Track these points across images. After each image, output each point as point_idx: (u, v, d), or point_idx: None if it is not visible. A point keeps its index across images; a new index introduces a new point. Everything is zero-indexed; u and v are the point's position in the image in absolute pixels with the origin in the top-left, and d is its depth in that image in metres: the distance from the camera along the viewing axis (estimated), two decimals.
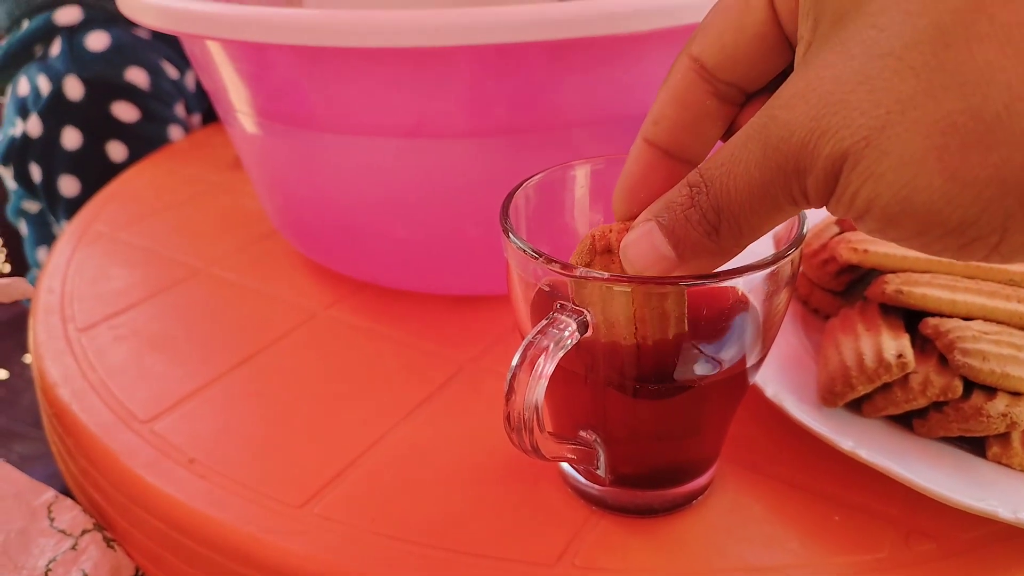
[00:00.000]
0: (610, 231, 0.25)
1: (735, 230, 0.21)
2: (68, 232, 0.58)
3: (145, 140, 0.79)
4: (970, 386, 0.31)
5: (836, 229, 0.42)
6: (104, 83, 0.77)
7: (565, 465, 0.33)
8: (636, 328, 0.26)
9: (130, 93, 0.78)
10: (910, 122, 0.17)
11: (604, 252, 0.26)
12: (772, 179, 0.19)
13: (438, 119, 0.37)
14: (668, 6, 0.34)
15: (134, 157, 0.78)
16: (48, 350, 0.44)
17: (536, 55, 0.35)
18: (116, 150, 0.78)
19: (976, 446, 0.32)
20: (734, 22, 0.22)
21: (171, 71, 0.83)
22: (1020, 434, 0.31)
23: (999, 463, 0.31)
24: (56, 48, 0.78)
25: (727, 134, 0.24)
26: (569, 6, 0.33)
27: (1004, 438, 0.31)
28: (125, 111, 0.78)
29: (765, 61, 0.22)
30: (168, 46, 0.83)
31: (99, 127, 0.78)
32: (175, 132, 0.82)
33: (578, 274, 0.25)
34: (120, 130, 0.78)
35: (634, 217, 0.24)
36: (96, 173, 0.78)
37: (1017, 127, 0.16)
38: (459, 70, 0.35)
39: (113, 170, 0.76)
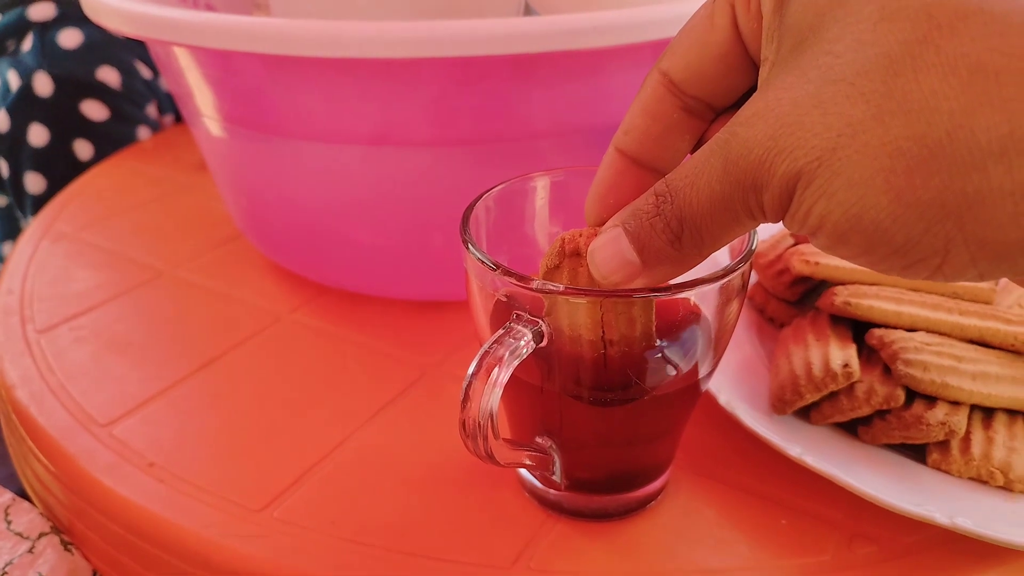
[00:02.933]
0: (580, 235, 0.26)
1: (697, 240, 0.22)
2: (29, 231, 0.58)
3: (113, 140, 0.78)
4: (912, 395, 0.33)
5: (791, 241, 0.44)
6: (74, 81, 0.76)
7: (523, 470, 0.33)
8: (603, 332, 0.26)
9: (100, 92, 0.78)
10: (860, 145, 0.17)
11: (573, 255, 0.26)
12: (731, 193, 0.20)
13: (402, 128, 0.37)
14: (629, 23, 0.34)
15: (100, 156, 0.77)
16: (7, 351, 0.44)
17: (500, 68, 0.36)
18: (83, 149, 0.78)
19: (918, 453, 0.33)
20: (699, 40, 0.23)
21: (144, 71, 0.82)
22: (959, 442, 0.32)
23: (939, 469, 0.32)
24: (28, 43, 0.77)
25: (696, 147, 0.25)
26: (532, 21, 0.34)
27: (943, 445, 0.32)
28: (94, 110, 0.77)
29: (729, 79, 0.23)
30: (142, 46, 0.82)
31: (67, 125, 0.77)
32: (144, 133, 0.82)
33: (534, 287, 0.25)
34: (88, 129, 0.77)
35: (604, 223, 0.25)
36: (62, 171, 0.77)
37: (957, 153, 0.17)
38: (423, 81, 0.36)
39: (79, 168, 0.75)
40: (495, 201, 0.31)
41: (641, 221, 0.23)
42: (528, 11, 0.42)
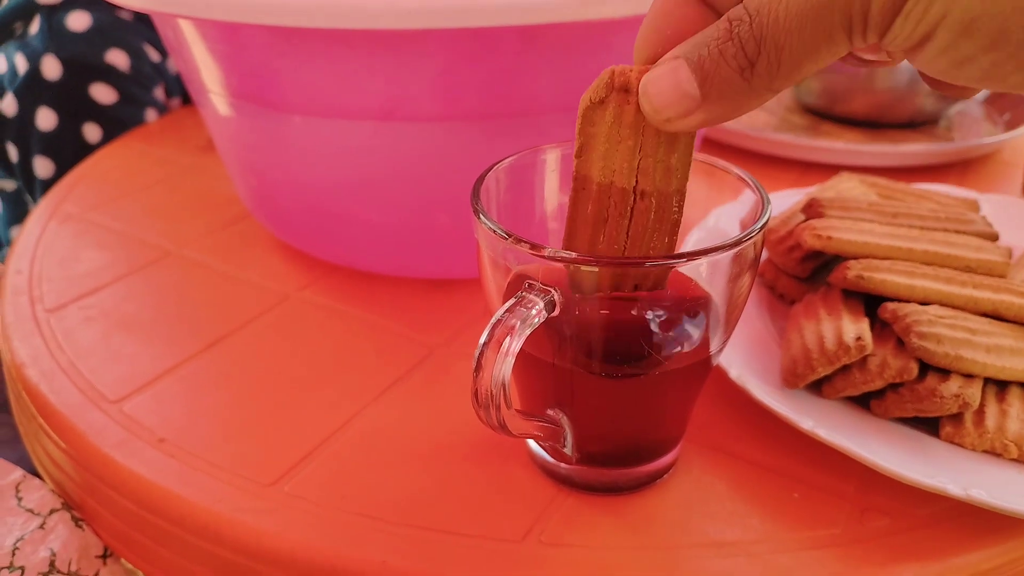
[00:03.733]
0: (630, 70, 0.24)
1: (773, 65, 0.20)
2: (37, 212, 0.58)
3: (122, 123, 0.78)
4: (925, 368, 0.32)
5: (802, 217, 0.43)
6: (84, 64, 0.76)
7: (532, 444, 0.33)
8: (637, 180, 0.25)
9: (109, 75, 0.77)
10: None
11: (621, 90, 0.24)
12: (831, 1, 0.19)
13: (411, 102, 0.37)
14: None
15: (109, 139, 0.77)
16: (16, 331, 0.44)
17: (508, 40, 0.35)
18: (92, 132, 0.78)
19: (930, 426, 0.33)
20: None
21: (153, 54, 0.82)
22: (972, 415, 0.32)
23: (952, 443, 0.32)
24: (35, 27, 0.77)
25: None
26: None
27: (957, 418, 0.32)
28: (103, 93, 0.77)
29: None
30: (151, 29, 0.82)
31: (76, 108, 0.77)
32: (152, 115, 0.81)
33: (547, 254, 0.25)
34: (97, 112, 0.77)
35: (656, 60, 0.23)
36: (71, 154, 0.77)
37: None
38: (432, 54, 0.35)
39: (88, 151, 0.75)
40: (505, 173, 0.31)
41: (708, 48, 0.21)
42: None
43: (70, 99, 0.76)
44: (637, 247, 0.26)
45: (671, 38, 0.23)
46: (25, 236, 0.54)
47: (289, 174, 0.44)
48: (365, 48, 0.35)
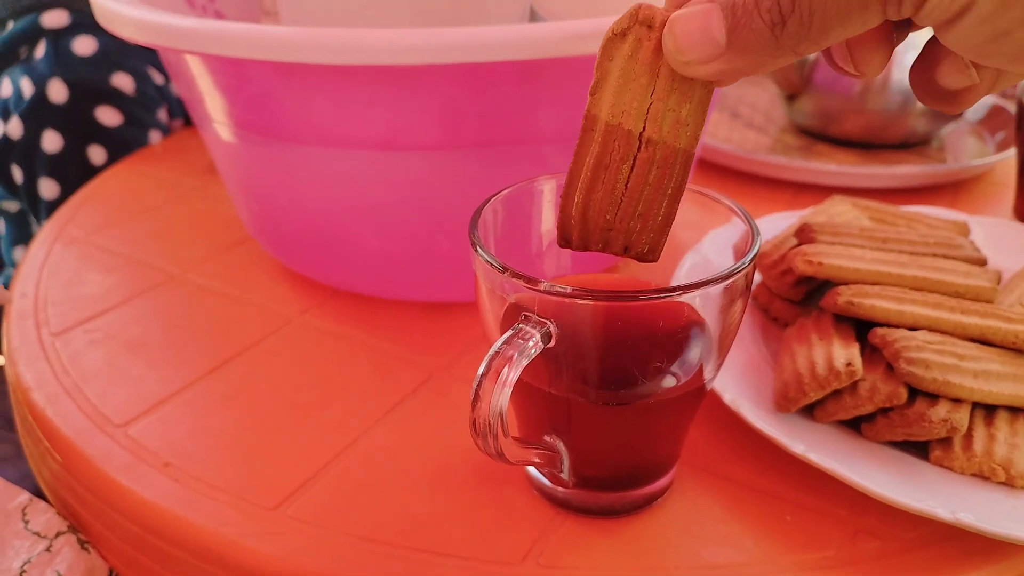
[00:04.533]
0: (658, 9, 0.24)
1: (804, 25, 0.20)
2: (42, 235, 0.58)
3: (126, 145, 0.79)
4: (914, 393, 0.33)
5: (794, 240, 0.44)
6: (90, 87, 0.77)
7: (531, 468, 0.34)
8: (645, 126, 0.25)
9: (115, 98, 0.79)
10: None
11: (644, 24, 0.24)
12: None
13: (410, 133, 0.38)
14: None
15: (113, 161, 0.78)
16: (22, 355, 0.44)
17: (506, 73, 0.36)
18: (97, 154, 0.79)
19: (920, 450, 0.34)
20: None
21: (157, 77, 0.83)
22: (960, 439, 0.33)
23: (941, 466, 0.33)
24: (41, 51, 0.78)
25: None
26: (539, 27, 0.34)
27: (946, 442, 0.33)
28: (108, 116, 0.78)
29: None
30: (153, 52, 0.83)
31: (81, 131, 0.78)
32: (155, 137, 0.83)
33: (542, 288, 0.26)
34: (102, 134, 0.79)
35: (682, 4, 0.23)
36: (76, 176, 0.78)
37: None
38: (431, 87, 0.36)
39: (92, 173, 0.76)
40: (503, 204, 0.32)
41: None
42: (534, 16, 0.43)
43: (76, 122, 0.77)
44: (632, 203, 0.26)
45: None
46: (30, 259, 0.55)
47: (291, 200, 0.45)
48: (365, 81, 0.36)
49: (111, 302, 0.49)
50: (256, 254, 0.54)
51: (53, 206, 0.79)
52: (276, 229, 0.49)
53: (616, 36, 0.24)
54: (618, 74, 0.24)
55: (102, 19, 0.41)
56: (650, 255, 0.27)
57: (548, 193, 0.33)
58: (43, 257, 0.55)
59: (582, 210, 0.26)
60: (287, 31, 0.34)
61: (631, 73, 0.24)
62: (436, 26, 0.38)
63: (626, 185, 0.26)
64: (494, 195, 0.32)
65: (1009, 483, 0.32)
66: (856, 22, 0.20)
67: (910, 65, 0.24)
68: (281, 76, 0.37)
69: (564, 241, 0.28)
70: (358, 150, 0.39)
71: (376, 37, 0.33)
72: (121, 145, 0.79)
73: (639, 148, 0.25)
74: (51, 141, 0.77)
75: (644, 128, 0.25)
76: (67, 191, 0.79)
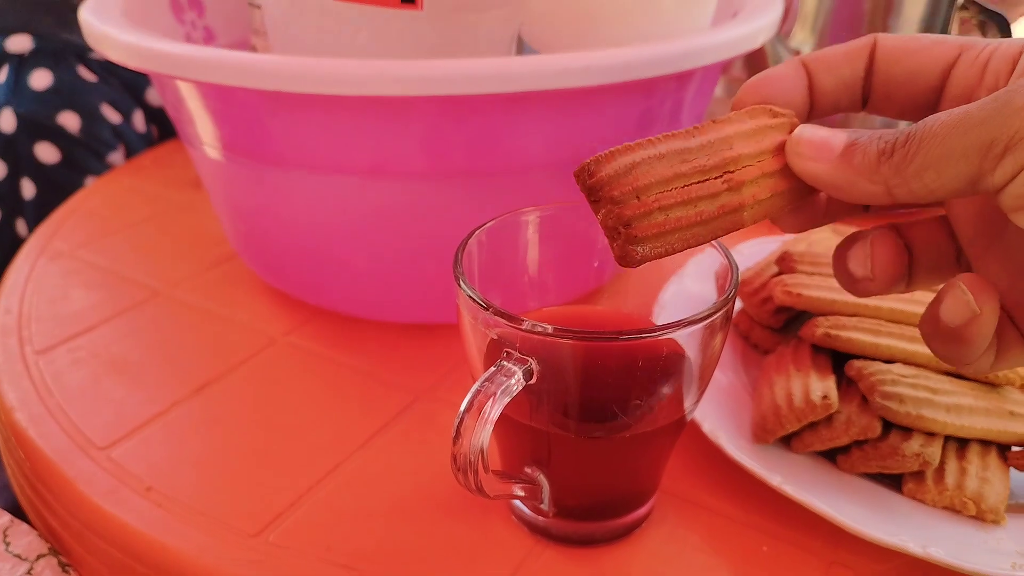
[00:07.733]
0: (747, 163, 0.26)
1: (908, 158, 0.22)
2: (27, 248, 0.58)
3: (57, 186, 0.79)
4: (889, 426, 0.34)
5: (775, 269, 0.45)
6: (35, 122, 0.77)
7: None
8: (741, 171, 0.26)
9: (57, 136, 0.78)
10: None
11: (733, 189, 0.25)
12: (988, 117, 0.21)
13: (397, 160, 0.38)
14: (619, 63, 0.36)
15: (41, 199, 0.78)
16: (5, 373, 0.44)
17: (491, 104, 0.37)
18: (27, 188, 0.79)
19: (894, 482, 0.34)
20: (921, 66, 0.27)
21: (113, 116, 0.82)
22: (933, 472, 0.33)
23: (914, 498, 0.33)
24: (2, 76, 0.79)
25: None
26: (525, 60, 0.35)
27: (919, 476, 0.34)
28: (47, 152, 0.78)
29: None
30: (114, 90, 0.82)
31: (19, 162, 0.78)
32: (90, 182, 0.82)
33: (525, 327, 0.26)
34: (37, 170, 0.79)
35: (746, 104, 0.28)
36: (7, 208, 0.79)
37: None
38: (417, 117, 0.37)
39: (22, 207, 0.78)
40: (488, 235, 0.32)
41: (873, 132, 0.24)
42: (522, 47, 0.44)
43: (16, 154, 0.78)
44: (674, 201, 0.25)
45: (770, 95, 0.28)
46: (14, 273, 0.55)
47: (277, 221, 0.45)
48: (354, 110, 0.37)
49: (95, 319, 0.49)
50: (241, 272, 0.54)
51: None
52: (261, 248, 0.49)
53: (764, 111, 0.27)
54: (753, 127, 0.26)
55: (92, 42, 0.41)
56: (635, 257, 0.25)
57: (532, 224, 0.34)
58: (27, 271, 0.55)
59: (630, 166, 0.24)
60: (276, 59, 0.34)
61: (761, 136, 0.26)
62: (427, 53, 0.39)
63: (684, 187, 0.25)
64: (479, 227, 0.32)
65: (980, 517, 0.32)
66: (952, 170, 0.22)
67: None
68: (269, 103, 0.37)
69: (584, 172, 0.25)
70: (345, 176, 0.40)
71: (364, 68, 0.33)
72: (52, 185, 0.79)
73: (721, 176, 0.25)
74: None
75: (740, 170, 0.26)
76: (7, 218, 0.80)
